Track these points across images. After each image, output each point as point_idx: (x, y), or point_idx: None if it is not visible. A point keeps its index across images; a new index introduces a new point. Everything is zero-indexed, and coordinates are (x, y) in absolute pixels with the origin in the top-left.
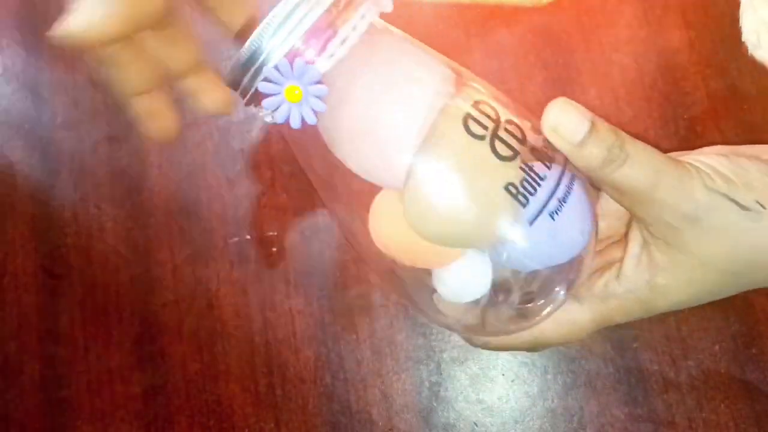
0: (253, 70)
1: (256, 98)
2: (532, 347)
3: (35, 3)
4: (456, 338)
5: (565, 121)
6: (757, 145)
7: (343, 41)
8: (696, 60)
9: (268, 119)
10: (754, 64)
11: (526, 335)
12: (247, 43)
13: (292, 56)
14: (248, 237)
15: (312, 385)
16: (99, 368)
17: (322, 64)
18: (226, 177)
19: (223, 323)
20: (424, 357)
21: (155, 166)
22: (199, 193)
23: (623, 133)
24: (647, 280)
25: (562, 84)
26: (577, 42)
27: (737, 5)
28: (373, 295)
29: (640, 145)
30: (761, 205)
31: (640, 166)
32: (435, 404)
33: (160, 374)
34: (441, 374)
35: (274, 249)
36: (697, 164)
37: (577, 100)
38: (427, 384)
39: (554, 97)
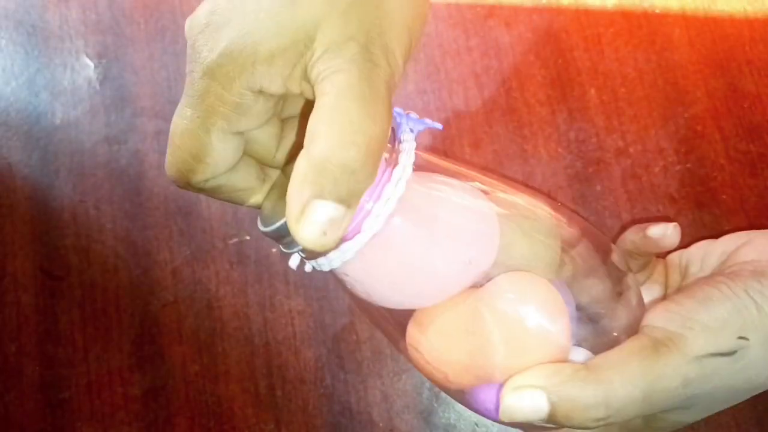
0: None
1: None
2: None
3: (33, 4)
4: None
5: (520, 410)
6: (689, 289)
7: (388, 200)
8: (696, 59)
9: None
10: (753, 63)
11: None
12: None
13: None
14: (248, 237)
15: (312, 386)
16: (99, 369)
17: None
18: None
19: (222, 324)
20: None
21: (154, 167)
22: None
23: (590, 381)
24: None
25: (562, 84)
26: (577, 42)
27: (737, 4)
28: None
29: (608, 377)
30: (744, 338)
31: (626, 395)
32: (436, 405)
33: (160, 375)
34: None
35: (274, 249)
36: (673, 336)
37: (577, 100)
38: (427, 384)
39: (554, 96)
